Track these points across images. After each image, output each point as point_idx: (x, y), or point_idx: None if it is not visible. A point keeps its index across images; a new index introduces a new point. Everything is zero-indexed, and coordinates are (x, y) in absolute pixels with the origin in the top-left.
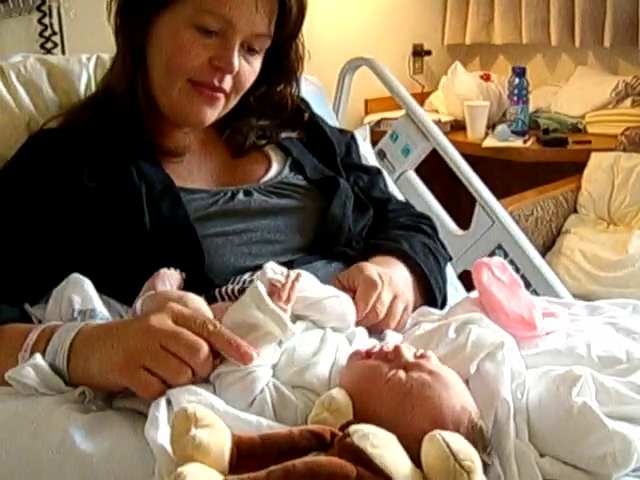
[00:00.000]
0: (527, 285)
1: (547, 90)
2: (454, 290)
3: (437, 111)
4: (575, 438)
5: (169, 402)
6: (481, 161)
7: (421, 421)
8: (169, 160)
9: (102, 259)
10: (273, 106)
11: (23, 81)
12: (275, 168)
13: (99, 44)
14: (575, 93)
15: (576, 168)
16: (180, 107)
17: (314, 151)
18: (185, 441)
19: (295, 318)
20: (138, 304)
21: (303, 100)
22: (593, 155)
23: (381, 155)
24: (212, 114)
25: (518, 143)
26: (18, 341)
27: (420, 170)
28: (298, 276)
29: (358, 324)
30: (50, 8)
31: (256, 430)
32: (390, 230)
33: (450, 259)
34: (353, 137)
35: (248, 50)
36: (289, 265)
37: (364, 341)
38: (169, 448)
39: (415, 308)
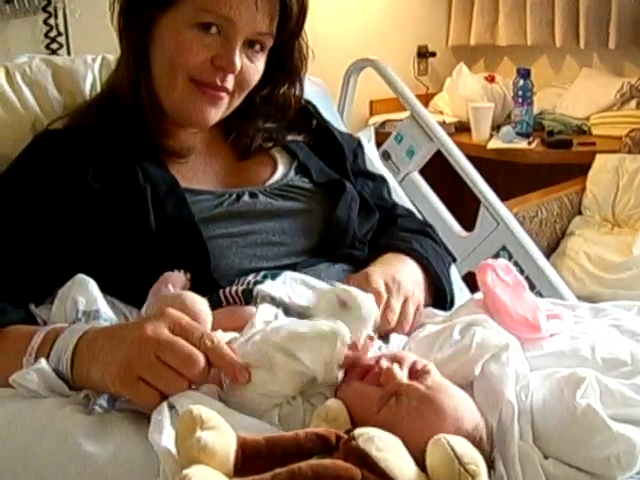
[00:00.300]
0: (531, 287)
1: (552, 92)
2: (459, 291)
3: (441, 112)
4: (579, 440)
5: (171, 407)
6: (485, 163)
7: (412, 446)
8: (174, 161)
9: (107, 260)
10: (278, 107)
11: (28, 82)
12: (281, 170)
13: (104, 45)
14: (580, 95)
15: (581, 170)
16: (183, 107)
17: (321, 155)
18: (190, 443)
19: None
20: (143, 310)
21: (311, 104)
22: (598, 157)
23: (386, 156)
24: (215, 114)
25: (523, 145)
26: (22, 344)
27: (424, 171)
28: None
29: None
30: (55, 9)
31: (261, 432)
32: (399, 232)
33: (454, 261)
34: (360, 144)
35: (250, 49)
36: (293, 267)
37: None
38: (174, 450)
39: (424, 307)
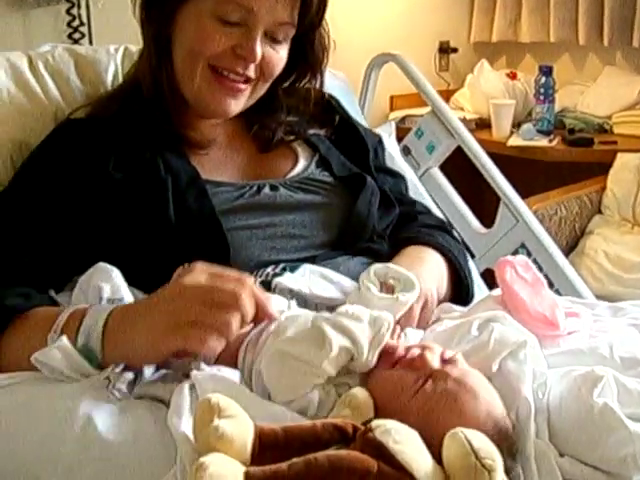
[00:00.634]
0: (550, 285)
1: (574, 89)
2: (477, 288)
3: (462, 109)
4: (596, 439)
5: (192, 388)
6: (505, 160)
7: (446, 431)
8: (196, 152)
9: (126, 249)
10: (300, 100)
11: (51, 71)
12: (302, 164)
13: (127, 35)
14: (602, 93)
15: (601, 169)
16: (201, 96)
17: (343, 149)
18: (208, 431)
19: None
20: None
21: (334, 98)
22: (619, 156)
23: (406, 151)
24: (236, 105)
25: (543, 142)
26: (47, 324)
27: (444, 167)
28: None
29: None
30: None
31: (280, 420)
32: (419, 228)
33: (472, 257)
34: (380, 140)
35: (272, 39)
36: (312, 260)
37: None
38: (191, 437)
39: (444, 300)
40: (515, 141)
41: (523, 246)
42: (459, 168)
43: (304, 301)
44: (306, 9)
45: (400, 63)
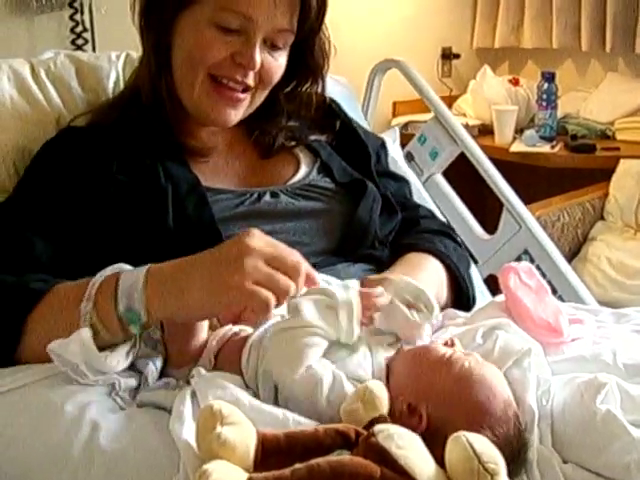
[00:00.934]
0: (553, 291)
1: (576, 96)
2: (480, 294)
3: (465, 115)
4: (599, 445)
5: (194, 395)
6: (508, 166)
7: (476, 397)
8: (196, 160)
9: (126, 255)
10: (301, 105)
11: (52, 78)
12: (303, 170)
13: (130, 41)
14: (605, 99)
15: (604, 175)
16: (201, 106)
17: (345, 154)
18: (210, 438)
19: None
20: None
21: (335, 102)
22: (621, 162)
23: (409, 157)
24: (236, 115)
25: (546, 148)
26: (78, 294)
27: (446, 173)
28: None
29: None
30: (82, 5)
31: (282, 425)
32: (422, 233)
33: (475, 263)
34: (383, 144)
35: (271, 46)
36: (312, 267)
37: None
38: (194, 444)
39: (444, 307)
40: (517, 147)
41: (526, 252)
42: (462, 174)
43: None
44: (305, 15)
45: (403, 69)
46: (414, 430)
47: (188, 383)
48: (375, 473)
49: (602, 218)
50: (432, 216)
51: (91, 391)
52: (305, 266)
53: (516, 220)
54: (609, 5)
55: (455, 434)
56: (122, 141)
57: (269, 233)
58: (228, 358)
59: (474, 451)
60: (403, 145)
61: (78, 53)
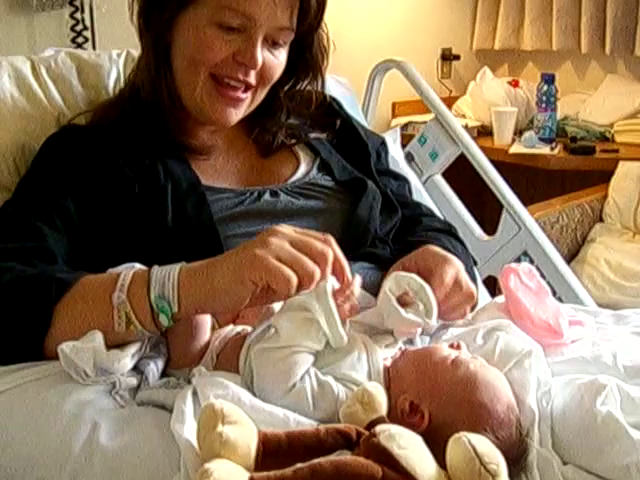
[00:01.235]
0: (552, 293)
1: (576, 98)
2: (479, 295)
3: (464, 116)
4: (599, 447)
5: (195, 394)
6: (507, 167)
7: (479, 399)
8: (196, 158)
9: (126, 252)
10: (301, 103)
11: (53, 76)
12: (303, 168)
13: (130, 40)
14: (604, 101)
15: (603, 177)
16: (203, 106)
17: (345, 152)
18: (212, 437)
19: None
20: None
21: (336, 101)
22: (621, 164)
23: (409, 158)
24: (237, 114)
25: (545, 150)
26: (108, 284)
27: (446, 174)
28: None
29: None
30: (82, 3)
31: (283, 425)
32: (425, 231)
33: (475, 264)
34: (384, 142)
35: (272, 44)
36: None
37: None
38: (195, 443)
39: None
40: (517, 149)
41: (525, 254)
42: (460, 175)
43: None
44: (305, 13)
45: (404, 70)
46: (414, 429)
47: (189, 382)
48: (377, 473)
49: (601, 220)
50: (433, 215)
51: (90, 390)
52: (334, 255)
53: (516, 222)
54: (609, 7)
55: (456, 435)
56: (122, 140)
57: None
58: (229, 357)
59: (475, 452)
60: (403, 146)
61: (79, 51)
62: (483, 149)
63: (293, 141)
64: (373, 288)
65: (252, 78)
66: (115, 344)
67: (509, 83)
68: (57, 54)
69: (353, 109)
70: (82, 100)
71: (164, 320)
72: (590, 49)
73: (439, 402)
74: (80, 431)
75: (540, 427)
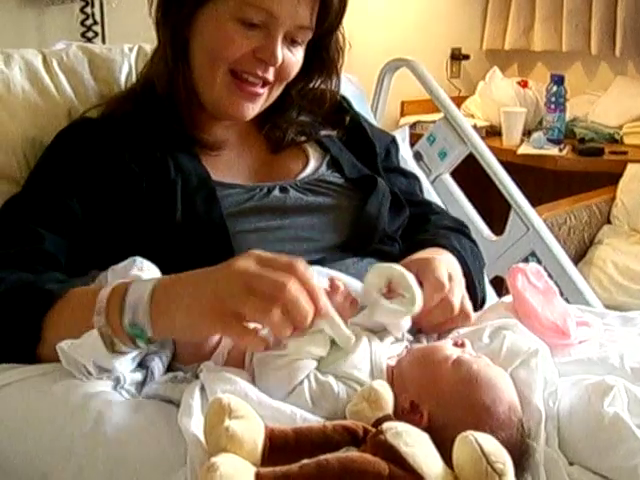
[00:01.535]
0: (559, 294)
1: (585, 99)
2: (486, 296)
3: (473, 116)
4: (605, 448)
5: (203, 389)
6: (515, 168)
7: (480, 400)
8: (207, 153)
9: (135, 248)
10: (314, 101)
11: (65, 69)
12: (312, 165)
13: (140, 35)
14: (613, 103)
15: (611, 179)
16: (221, 101)
17: (354, 150)
18: (219, 432)
19: None
20: None
21: (345, 99)
22: (629, 166)
23: (418, 157)
24: (253, 109)
25: (554, 151)
26: (89, 304)
27: (454, 174)
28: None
29: (428, 322)
30: None
31: (290, 421)
32: (435, 229)
33: (484, 265)
34: (394, 140)
35: (291, 42)
36: (320, 262)
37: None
38: (202, 438)
39: None
40: (525, 149)
41: (533, 254)
42: (470, 175)
43: None
44: (325, 14)
45: (414, 69)
46: None
47: (196, 377)
48: (383, 470)
49: (609, 222)
50: (444, 213)
51: (95, 384)
52: (304, 283)
53: (524, 222)
54: (619, 9)
55: (463, 433)
56: (134, 133)
57: (278, 228)
58: (240, 355)
59: (482, 451)
60: (411, 145)
61: (90, 45)
62: (491, 149)
63: (303, 138)
64: None
65: (270, 75)
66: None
67: (518, 83)
68: (68, 47)
69: (362, 107)
70: (93, 94)
71: (142, 344)
72: (600, 50)
73: (439, 402)
74: (84, 422)
75: (547, 427)
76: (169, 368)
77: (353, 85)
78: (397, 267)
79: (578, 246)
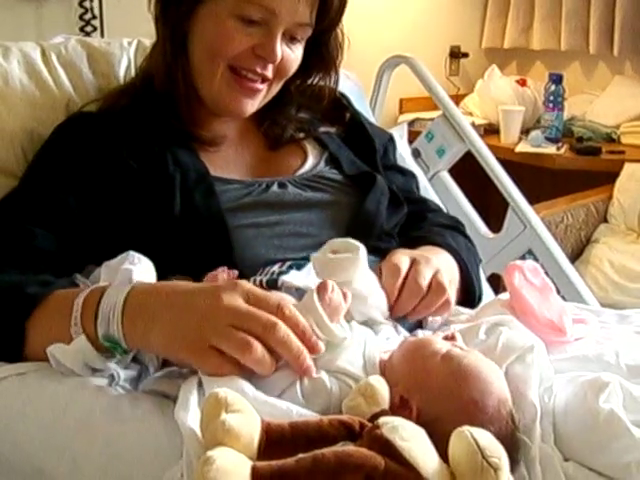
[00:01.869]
0: (556, 292)
1: (583, 98)
2: (482, 293)
3: (471, 114)
4: (600, 445)
5: (200, 384)
6: (513, 166)
7: (469, 394)
8: (206, 149)
9: (133, 242)
10: (313, 97)
11: (63, 62)
12: (311, 161)
13: (139, 30)
14: (611, 102)
15: (608, 178)
16: (220, 97)
17: (352, 147)
18: (215, 425)
19: None
20: None
21: (344, 96)
22: (626, 166)
23: (416, 154)
24: (252, 105)
25: (551, 150)
26: (66, 312)
27: (452, 171)
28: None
29: (401, 309)
30: None
31: (286, 416)
32: (431, 227)
33: (480, 262)
34: (392, 138)
35: (290, 39)
36: None
37: (390, 334)
38: (198, 432)
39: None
40: (523, 148)
41: (530, 252)
42: (468, 172)
43: None
44: (326, 11)
45: (413, 66)
46: None
47: (193, 372)
48: (379, 465)
49: (605, 221)
50: (440, 210)
51: (89, 379)
52: (293, 324)
53: (521, 220)
54: (618, 8)
55: (459, 428)
56: (132, 127)
57: (276, 223)
58: None
59: (478, 445)
60: (409, 142)
61: (89, 39)
62: (489, 147)
63: (302, 135)
64: None
65: (269, 71)
66: None
67: (517, 82)
68: (67, 41)
69: (360, 103)
70: (92, 87)
71: (119, 354)
72: (598, 50)
73: (428, 397)
74: (79, 418)
75: (542, 423)
76: (164, 363)
77: (351, 81)
78: (336, 240)
79: (575, 244)
